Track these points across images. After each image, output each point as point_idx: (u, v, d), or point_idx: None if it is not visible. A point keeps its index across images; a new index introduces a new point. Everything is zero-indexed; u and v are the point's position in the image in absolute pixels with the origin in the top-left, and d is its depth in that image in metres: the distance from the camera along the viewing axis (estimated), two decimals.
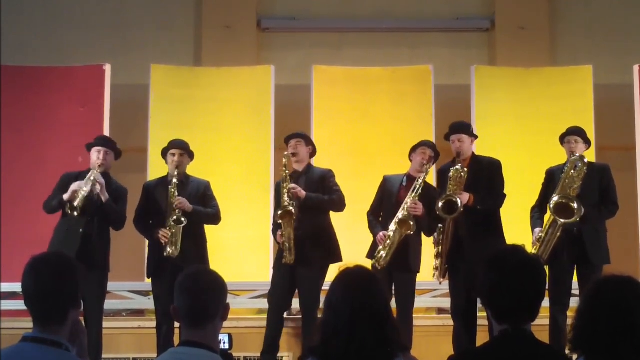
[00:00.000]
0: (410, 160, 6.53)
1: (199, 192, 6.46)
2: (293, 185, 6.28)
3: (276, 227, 6.41)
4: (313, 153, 6.63)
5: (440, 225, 6.15)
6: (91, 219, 6.19)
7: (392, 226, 6.23)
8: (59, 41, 9.20)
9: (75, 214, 6.05)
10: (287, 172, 6.34)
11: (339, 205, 6.45)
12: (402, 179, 6.48)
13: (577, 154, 6.20)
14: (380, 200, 6.55)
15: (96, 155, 6.33)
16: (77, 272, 2.74)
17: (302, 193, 6.26)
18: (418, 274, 6.42)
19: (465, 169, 6.12)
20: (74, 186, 6.14)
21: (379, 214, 6.52)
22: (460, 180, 6.11)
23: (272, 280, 6.43)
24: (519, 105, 8.49)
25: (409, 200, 6.25)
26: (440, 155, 6.57)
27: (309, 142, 6.57)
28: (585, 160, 6.17)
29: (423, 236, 6.47)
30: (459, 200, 6.00)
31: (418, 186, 6.28)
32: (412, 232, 6.18)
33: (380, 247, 6.24)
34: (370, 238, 6.45)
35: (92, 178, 6.15)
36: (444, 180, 6.32)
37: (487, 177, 6.21)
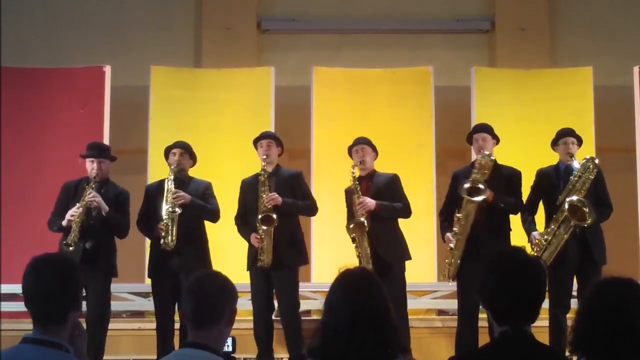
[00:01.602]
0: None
1: (198, 191, 6.48)
2: (274, 194, 6.29)
3: (245, 228, 6.44)
4: (281, 153, 6.64)
5: (459, 218, 6.13)
6: (92, 234, 6.21)
7: (352, 234, 6.28)
8: (59, 42, 9.20)
9: (71, 249, 6.05)
10: (266, 175, 6.35)
11: (312, 212, 6.60)
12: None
13: (587, 156, 6.22)
14: (350, 212, 6.56)
15: (90, 167, 6.38)
16: (78, 274, 2.74)
17: (279, 200, 6.28)
18: (409, 271, 6.42)
19: (493, 157, 6.13)
20: (69, 214, 6.18)
21: None
22: (486, 167, 6.10)
23: (252, 284, 6.44)
24: (519, 107, 8.48)
25: (356, 202, 6.30)
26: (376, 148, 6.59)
27: (279, 142, 6.59)
28: (597, 162, 6.18)
29: (410, 229, 6.46)
30: (482, 186, 6.02)
31: (354, 185, 6.34)
32: (367, 229, 6.21)
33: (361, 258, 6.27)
34: None
35: (85, 200, 6.18)
36: (458, 182, 6.32)
37: (505, 185, 6.20)
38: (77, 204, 6.21)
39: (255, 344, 6.40)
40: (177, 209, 6.24)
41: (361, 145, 6.50)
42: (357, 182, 6.38)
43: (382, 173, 6.51)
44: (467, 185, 6.08)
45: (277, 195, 6.29)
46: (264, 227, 6.23)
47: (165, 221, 6.24)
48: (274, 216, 6.21)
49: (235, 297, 2.88)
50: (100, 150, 6.49)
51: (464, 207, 6.11)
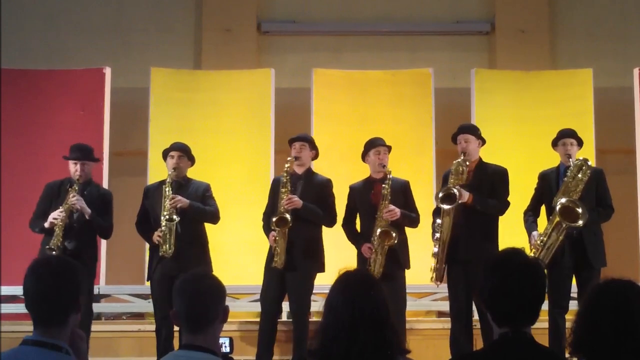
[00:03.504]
0: (366, 162, 6.53)
1: (197, 193, 6.47)
2: (294, 197, 6.26)
3: (268, 226, 6.41)
4: (315, 157, 6.64)
5: (438, 221, 6.14)
6: (73, 236, 6.21)
7: (375, 240, 6.21)
8: (59, 44, 9.20)
9: (54, 253, 6.01)
10: (287, 177, 6.34)
11: (331, 223, 6.47)
12: (368, 185, 6.45)
13: (581, 157, 6.21)
14: (351, 211, 6.53)
15: (73, 169, 6.38)
16: (78, 275, 2.74)
17: (299, 204, 6.27)
18: (409, 272, 6.40)
19: (467, 163, 6.12)
20: (52, 216, 6.18)
21: (354, 224, 6.52)
22: (460, 174, 6.09)
23: (263, 283, 6.42)
24: (519, 109, 8.48)
25: (383, 209, 6.23)
26: (391, 148, 6.57)
27: (313, 146, 6.56)
28: (589, 163, 6.18)
29: (411, 232, 6.45)
30: (456, 191, 6.00)
31: (386, 191, 6.26)
32: (395, 242, 6.17)
33: (370, 260, 6.23)
34: None
35: (68, 203, 6.19)
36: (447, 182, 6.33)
37: (490, 183, 6.19)
38: (60, 207, 6.20)
39: (253, 345, 6.39)
40: (174, 217, 6.20)
41: (384, 148, 6.47)
42: (388, 188, 6.30)
43: (395, 178, 6.44)
44: (441, 194, 6.07)
45: (297, 199, 6.26)
46: (277, 229, 6.21)
47: (163, 230, 6.22)
48: (288, 217, 6.18)
49: (225, 295, 2.90)
50: (84, 153, 6.45)
51: (442, 214, 6.11)
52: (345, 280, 2.81)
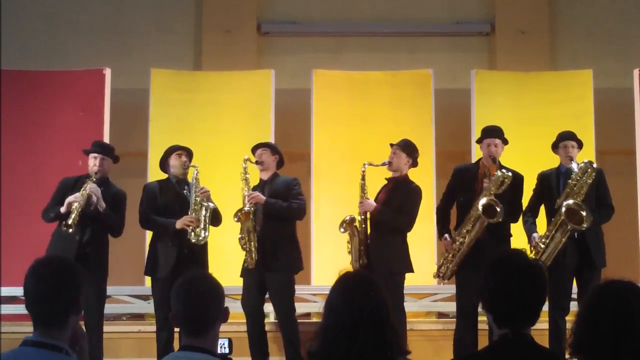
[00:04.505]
0: None
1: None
2: (251, 192, 6.35)
3: None
4: (280, 162, 6.64)
5: (467, 229, 6.13)
6: (88, 227, 6.19)
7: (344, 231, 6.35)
8: (59, 45, 9.20)
9: (71, 231, 6.02)
10: (246, 175, 6.42)
11: (297, 213, 6.49)
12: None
13: (586, 160, 6.20)
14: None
15: (92, 162, 6.39)
16: (79, 276, 2.74)
17: (261, 198, 6.32)
18: (409, 275, 6.39)
19: (510, 175, 6.09)
20: (70, 199, 6.15)
21: None
22: (502, 183, 6.05)
23: (243, 287, 6.45)
24: (519, 110, 8.48)
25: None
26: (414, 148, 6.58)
27: (274, 151, 6.61)
28: (594, 166, 6.17)
29: (411, 233, 6.45)
30: (499, 209, 5.96)
31: (360, 183, 6.38)
32: (358, 229, 6.27)
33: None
34: None
35: (87, 190, 6.16)
36: (459, 179, 6.32)
37: (511, 187, 6.16)
38: (79, 193, 6.16)
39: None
40: (211, 204, 6.33)
41: (395, 148, 6.48)
42: (363, 181, 6.38)
43: (410, 182, 6.44)
44: (484, 202, 6.02)
45: (257, 194, 6.34)
46: (240, 224, 6.30)
47: (202, 216, 6.29)
48: (245, 208, 6.27)
49: (224, 296, 2.91)
50: (103, 148, 6.51)
51: (474, 221, 6.07)
52: (345, 281, 2.81)
